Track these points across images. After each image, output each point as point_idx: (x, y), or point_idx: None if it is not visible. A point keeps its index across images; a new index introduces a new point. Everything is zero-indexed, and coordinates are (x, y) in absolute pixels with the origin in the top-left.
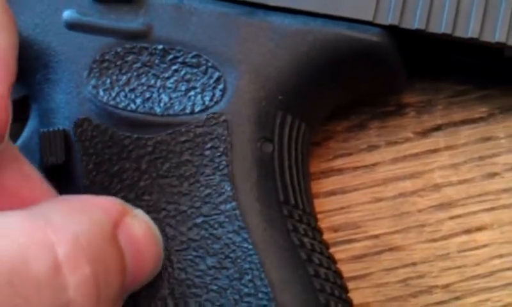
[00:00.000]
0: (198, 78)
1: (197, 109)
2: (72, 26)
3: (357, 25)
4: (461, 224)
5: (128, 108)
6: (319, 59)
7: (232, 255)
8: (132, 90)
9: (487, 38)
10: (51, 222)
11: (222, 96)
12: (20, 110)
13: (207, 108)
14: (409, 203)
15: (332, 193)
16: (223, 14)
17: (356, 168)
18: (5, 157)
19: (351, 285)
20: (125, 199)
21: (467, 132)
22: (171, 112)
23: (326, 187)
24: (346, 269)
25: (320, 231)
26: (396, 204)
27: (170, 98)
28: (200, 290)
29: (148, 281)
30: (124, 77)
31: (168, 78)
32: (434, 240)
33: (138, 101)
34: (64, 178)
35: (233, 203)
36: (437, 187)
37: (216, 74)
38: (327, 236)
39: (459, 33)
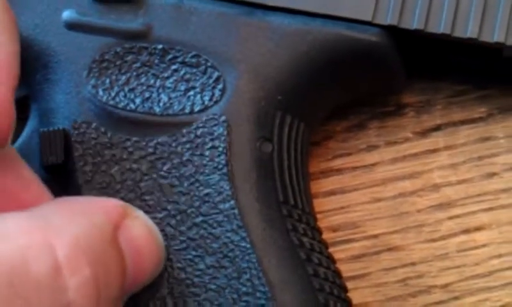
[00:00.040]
0: (198, 78)
1: (196, 108)
2: (72, 26)
3: (356, 25)
4: (460, 224)
5: (128, 108)
6: (318, 59)
7: (230, 254)
8: (131, 90)
9: (486, 38)
10: (51, 223)
11: (221, 96)
12: (20, 110)
13: (207, 108)
14: (408, 203)
15: (331, 193)
16: (222, 14)
17: (355, 168)
18: (3, 159)
19: (350, 285)
20: (125, 199)
21: (466, 132)
22: (170, 111)
23: (326, 186)
24: (345, 269)
25: (319, 231)
26: (395, 204)
27: (169, 98)
28: (198, 289)
29: (149, 282)
30: (123, 77)
31: (168, 78)
32: (433, 240)
33: (137, 101)
34: (64, 178)
35: (232, 202)
36: (436, 187)
37: (215, 74)
38: (326, 236)
39: (458, 33)
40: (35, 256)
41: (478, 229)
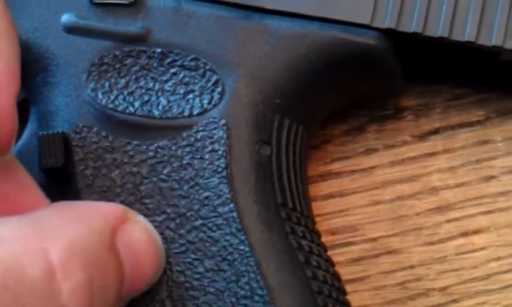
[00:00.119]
0: (196, 81)
1: (195, 112)
2: (71, 30)
3: (354, 28)
4: (458, 227)
5: (127, 111)
6: (316, 62)
7: (229, 257)
8: (130, 93)
9: (484, 41)
10: (46, 228)
11: (220, 99)
12: (19, 113)
13: (206, 111)
14: (407, 206)
15: (330, 196)
16: (220, 17)
17: (354, 171)
18: (6, 165)
19: (349, 288)
20: (125, 202)
21: (464, 135)
22: (169, 115)
23: (324, 190)
24: (344, 272)
25: (318, 234)
26: (394, 208)
27: (168, 101)
28: (197, 293)
29: (148, 287)
30: (123, 80)
31: (166, 81)
32: (432, 243)
33: (137, 104)
34: (63, 181)
35: (231, 206)
36: (435, 190)
37: (214, 77)
38: (325, 239)
39: (456, 36)
40: (30, 261)
41: (476, 232)
